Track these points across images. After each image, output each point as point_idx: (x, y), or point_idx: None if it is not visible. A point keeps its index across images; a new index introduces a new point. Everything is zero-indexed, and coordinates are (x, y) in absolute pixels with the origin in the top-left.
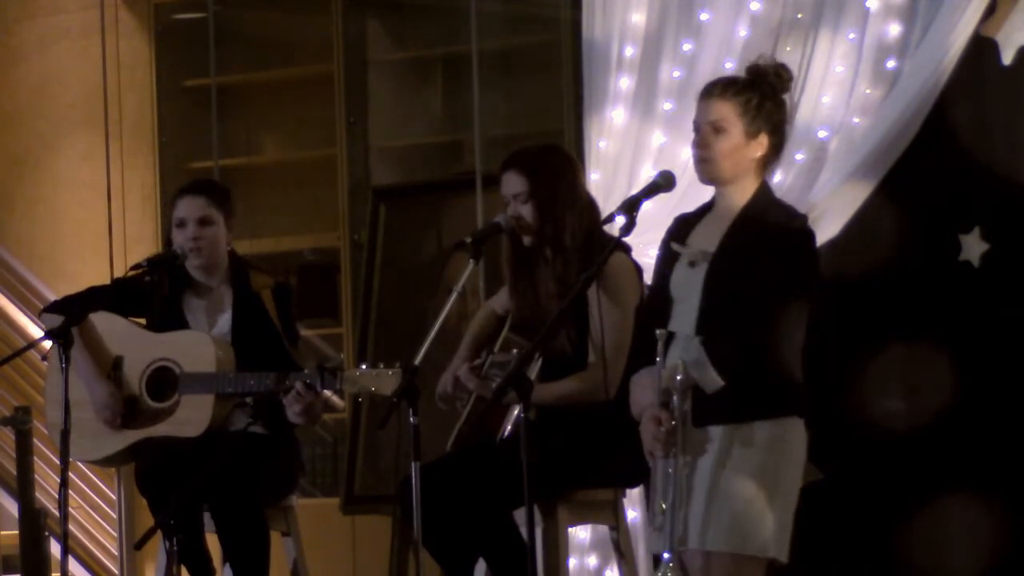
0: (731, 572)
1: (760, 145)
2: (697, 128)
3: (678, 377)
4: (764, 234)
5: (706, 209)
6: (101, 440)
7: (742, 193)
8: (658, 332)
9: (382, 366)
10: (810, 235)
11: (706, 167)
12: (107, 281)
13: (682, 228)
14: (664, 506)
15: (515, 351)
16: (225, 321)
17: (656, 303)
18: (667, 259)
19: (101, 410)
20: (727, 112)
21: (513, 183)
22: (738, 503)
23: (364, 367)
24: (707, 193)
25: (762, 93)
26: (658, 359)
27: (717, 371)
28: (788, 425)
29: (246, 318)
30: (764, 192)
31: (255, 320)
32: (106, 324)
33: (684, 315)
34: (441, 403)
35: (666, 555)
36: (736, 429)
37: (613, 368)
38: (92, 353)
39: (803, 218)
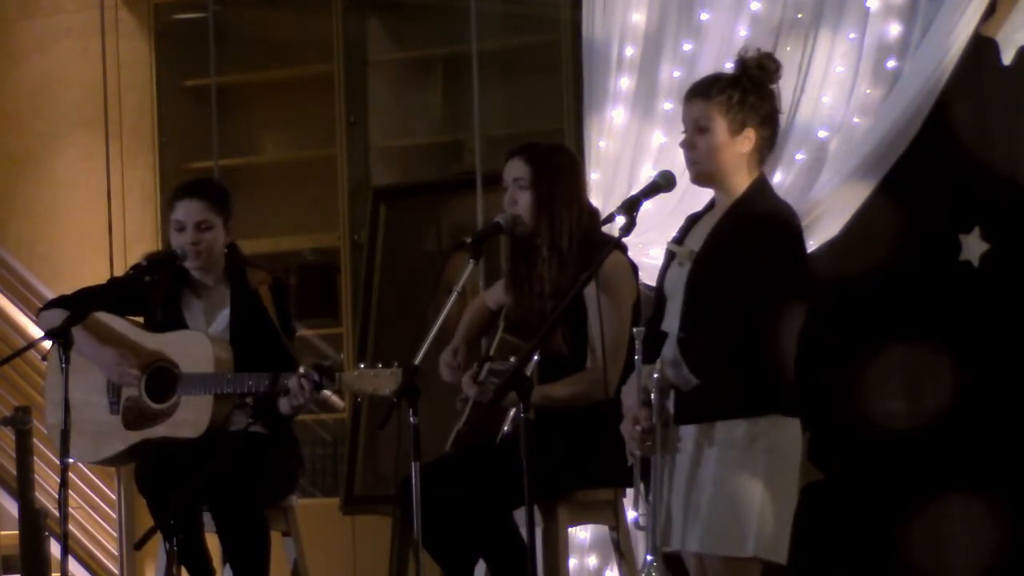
0: (721, 572)
1: (747, 140)
2: (685, 130)
3: (655, 376)
4: (745, 231)
5: (710, 207)
6: (101, 441)
7: (736, 189)
8: (635, 330)
9: (380, 366)
10: (790, 230)
11: (694, 167)
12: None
13: (686, 227)
14: (647, 505)
15: (512, 359)
16: (223, 318)
17: (656, 303)
18: (667, 259)
19: (114, 371)
20: (710, 111)
21: (517, 168)
22: (715, 503)
23: (362, 367)
24: (706, 193)
25: (743, 88)
26: (636, 357)
27: (690, 369)
28: (770, 424)
29: (245, 315)
30: (757, 187)
31: (254, 317)
32: (106, 324)
33: (673, 313)
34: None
35: (648, 557)
36: (713, 428)
37: (611, 367)
38: (98, 337)
39: (786, 214)
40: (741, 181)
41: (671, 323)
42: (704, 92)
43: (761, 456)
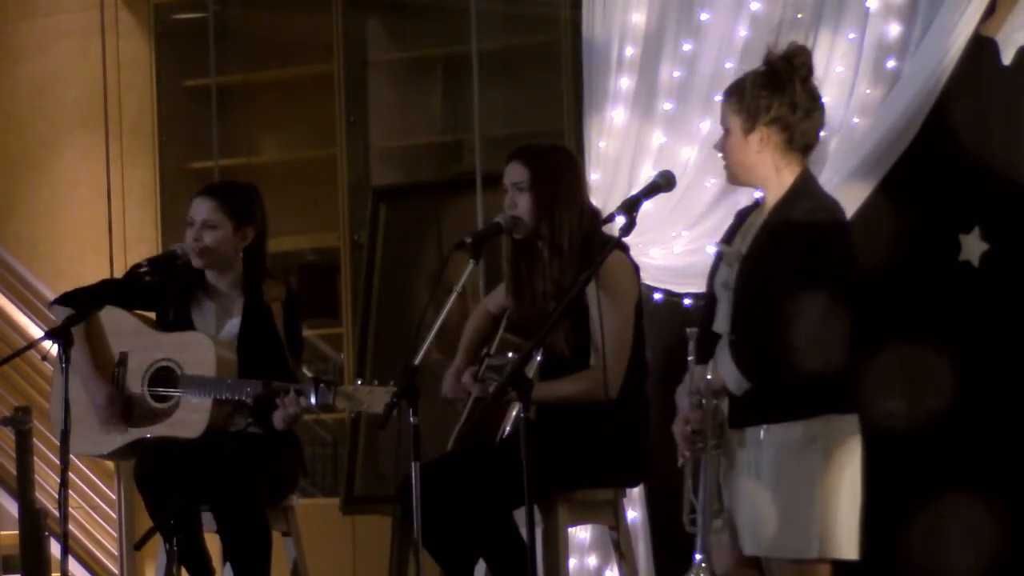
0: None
1: (761, 138)
2: None
3: (707, 377)
4: (786, 232)
5: (756, 205)
6: (101, 436)
7: (779, 188)
8: (688, 331)
9: (376, 383)
10: (831, 228)
11: (726, 171)
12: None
13: (735, 224)
14: (696, 506)
15: (511, 354)
16: (233, 326)
17: (707, 304)
18: (716, 259)
19: (98, 410)
20: (726, 112)
21: (515, 172)
22: (778, 507)
23: (359, 383)
24: (707, 194)
25: (753, 85)
26: (689, 359)
27: (740, 372)
28: (825, 423)
29: (254, 327)
30: (800, 185)
31: (263, 330)
32: (113, 320)
33: (723, 314)
34: (450, 404)
35: (697, 557)
36: (770, 431)
37: (613, 366)
38: (94, 352)
39: (827, 210)
40: (784, 180)
41: (721, 324)
42: (725, 94)
43: (820, 456)
